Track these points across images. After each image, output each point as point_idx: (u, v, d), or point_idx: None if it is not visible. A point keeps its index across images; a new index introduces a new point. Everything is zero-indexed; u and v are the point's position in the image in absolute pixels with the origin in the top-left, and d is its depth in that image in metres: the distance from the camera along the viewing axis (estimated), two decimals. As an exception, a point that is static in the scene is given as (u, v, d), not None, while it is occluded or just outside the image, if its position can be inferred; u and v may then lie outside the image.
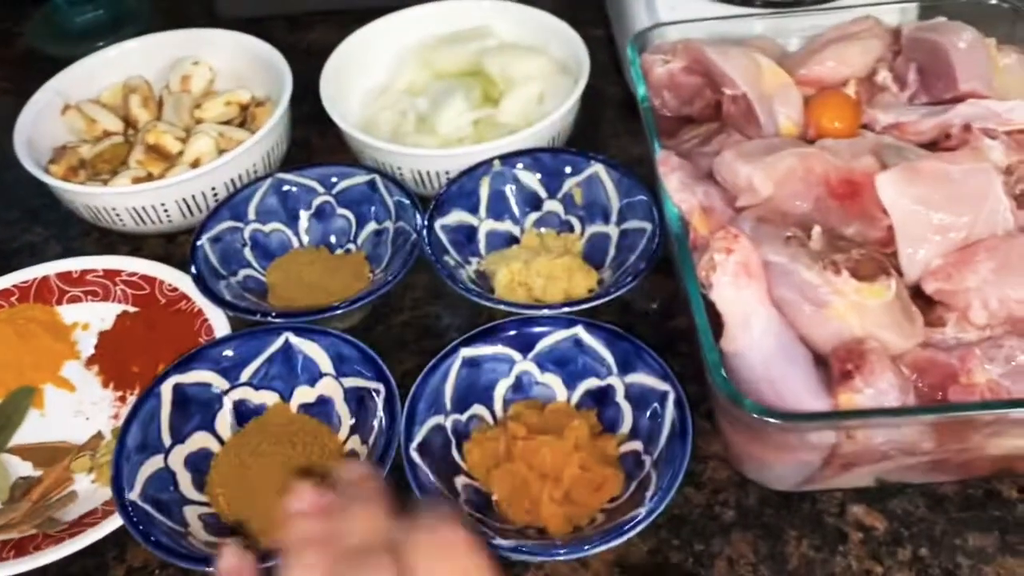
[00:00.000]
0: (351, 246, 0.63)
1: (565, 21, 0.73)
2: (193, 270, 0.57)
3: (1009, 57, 0.59)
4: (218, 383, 0.52)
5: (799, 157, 0.50)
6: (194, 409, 0.51)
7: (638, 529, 0.43)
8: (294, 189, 0.62)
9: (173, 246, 0.67)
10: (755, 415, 0.42)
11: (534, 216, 0.63)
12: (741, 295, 0.46)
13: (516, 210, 0.63)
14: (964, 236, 0.48)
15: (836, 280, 0.46)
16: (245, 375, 0.52)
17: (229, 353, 0.52)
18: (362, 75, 0.73)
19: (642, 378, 0.50)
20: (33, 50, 0.88)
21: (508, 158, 0.62)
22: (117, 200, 0.62)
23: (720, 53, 0.57)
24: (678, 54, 0.59)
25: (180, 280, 0.61)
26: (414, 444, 0.47)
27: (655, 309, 0.60)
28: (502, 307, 0.53)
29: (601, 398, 0.51)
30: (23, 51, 0.89)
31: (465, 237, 0.61)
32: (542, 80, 0.69)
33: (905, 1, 0.68)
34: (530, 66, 0.69)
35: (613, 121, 0.75)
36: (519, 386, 0.52)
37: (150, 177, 0.65)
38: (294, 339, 0.52)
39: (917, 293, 0.49)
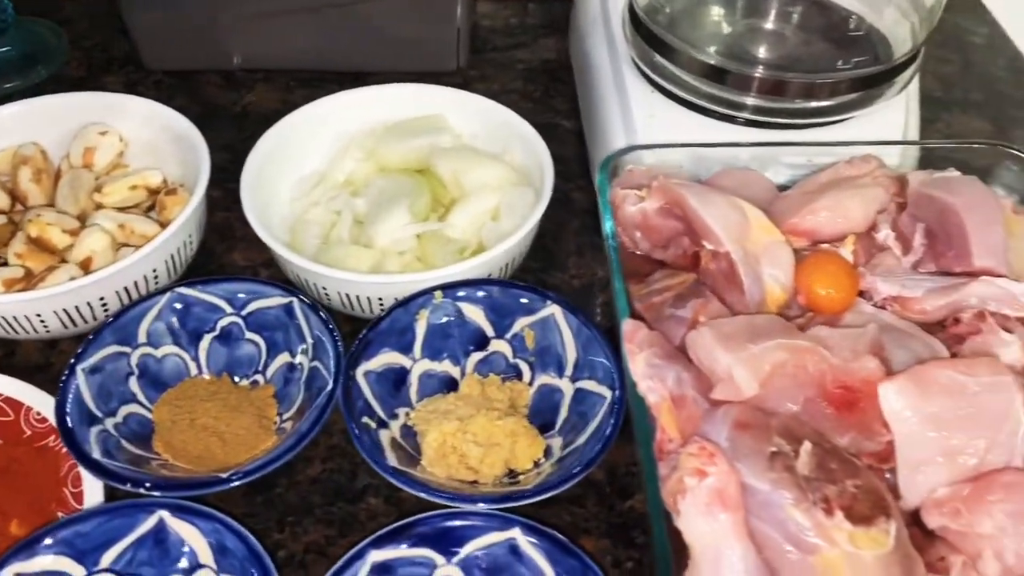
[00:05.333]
0: (259, 377, 0.54)
1: (536, 105, 0.65)
2: (56, 417, 0.47)
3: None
4: (72, 570, 0.42)
5: (790, 351, 0.42)
6: (37, 604, 0.42)
7: None
8: (196, 307, 0.53)
9: (54, 353, 0.57)
10: None
11: (477, 356, 0.54)
12: (713, 528, 0.38)
13: (457, 349, 0.54)
14: (976, 463, 0.41)
15: (827, 523, 0.38)
16: (106, 560, 0.43)
17: (86, 532, 0.43)
18: (296, 162, 0.63)
19: (588, 608, 0.41)
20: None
21: (451, 288, 0.53)
22: (-19, 307, 0.52)
23: (703, 201, 0.49)
24: (654, 193, 0.51)
25: (52, 409, 0.51)
26: None
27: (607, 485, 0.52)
28: (424, 495, 0.44)
29: (537, 620, 0.43)
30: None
31: (393, 383, 0.52)
32: (499, 192, 0.60)
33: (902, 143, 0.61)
34: (487, 175, 0.60)
35: (578, 233, 0.66)
36: (440, 595, 0.44)
37: (29, 275, 0.55)
38: (170, 519, 0.43)
39: (916, 519, 0.42)
